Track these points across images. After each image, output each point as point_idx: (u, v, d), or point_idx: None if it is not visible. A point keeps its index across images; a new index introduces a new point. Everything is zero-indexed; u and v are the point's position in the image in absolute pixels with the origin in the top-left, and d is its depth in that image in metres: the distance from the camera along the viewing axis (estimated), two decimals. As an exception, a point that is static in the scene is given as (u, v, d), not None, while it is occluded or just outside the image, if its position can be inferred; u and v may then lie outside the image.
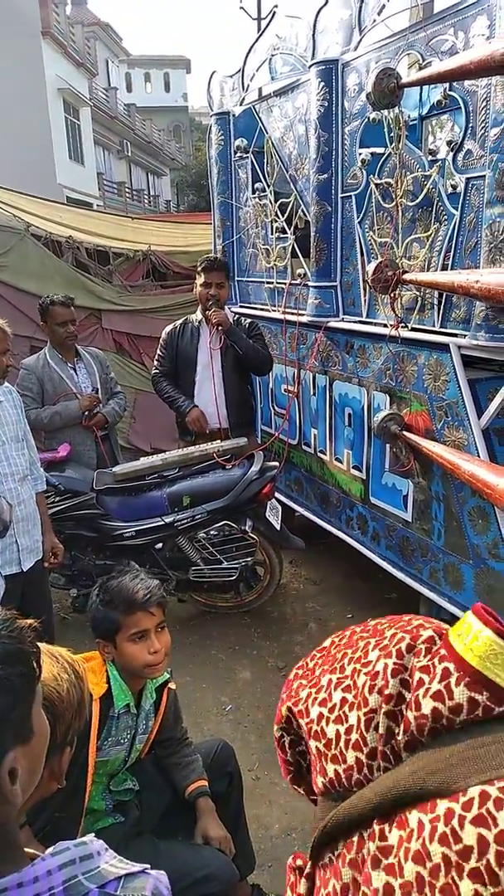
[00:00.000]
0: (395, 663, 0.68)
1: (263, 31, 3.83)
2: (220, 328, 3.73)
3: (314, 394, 3.86)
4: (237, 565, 3.53)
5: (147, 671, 1.85)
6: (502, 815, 0.52)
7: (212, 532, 3.53)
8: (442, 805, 0.57)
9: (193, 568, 3.55)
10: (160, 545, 3.54)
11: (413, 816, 0.59)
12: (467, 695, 0.60)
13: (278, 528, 3.63)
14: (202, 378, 3.84)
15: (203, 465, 3.57)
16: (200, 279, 3.77)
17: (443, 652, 0.64)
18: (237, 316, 4.07)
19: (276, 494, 3.99)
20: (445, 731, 0.61)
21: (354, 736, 0.68)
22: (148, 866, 0.82)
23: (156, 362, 4.02)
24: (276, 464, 3.73)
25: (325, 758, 0.71)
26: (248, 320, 4.04)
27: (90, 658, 1.87)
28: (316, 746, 0.73)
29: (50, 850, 0.78)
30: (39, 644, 0.84)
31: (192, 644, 3.54)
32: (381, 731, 0.66)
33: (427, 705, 0.62)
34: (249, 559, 3.58)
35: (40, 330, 5.14)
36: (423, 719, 0.62)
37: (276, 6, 4.13)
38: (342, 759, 0.69)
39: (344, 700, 0.70)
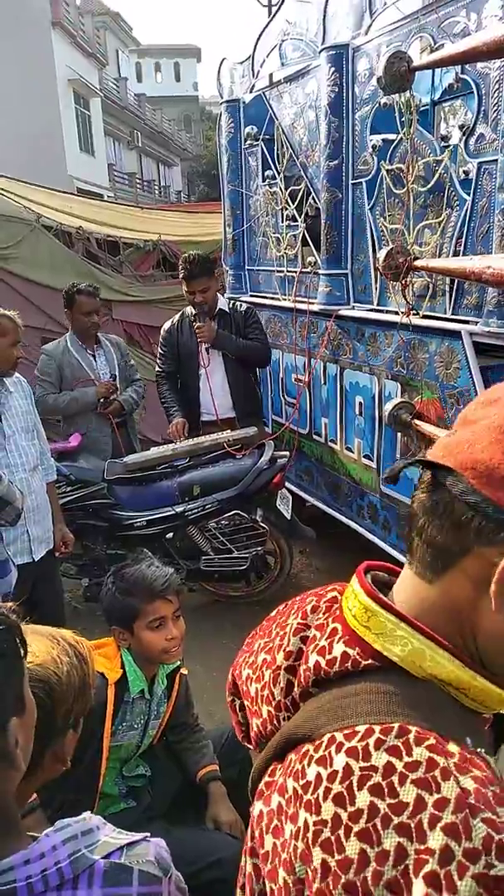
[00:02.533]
0: (299, 623, 0.74)
1: (273, 17, 3.79)
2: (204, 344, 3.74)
3: (325, 383, 3.85)
4: (247, 555, 3.53)
5: (164, 657, 1.87)
6: (339, 758, 0.58)
7: (222, 522, 3.54)
8: (304, 747, 0.63)
9: (204, 557, 3.55)
10: (171, 535, 3.55)
11: (290, 757, 0.66)
12: (342, 650, 0.65)
13: (289, 517, 3.63)
14: (206, 371, 3.84)
15: (213, 455, 3.57)
16: (184, 286, 3.76)
17: (338, 612, 0.70)
18: (233, 302, 4.06)
19: (287, 484, 3.98)
20: (324, 682, 0.66)
21: (266, 692, 0.75)
22: (148, 834, 0.86)
23: (158, 360, 4.03)
24: (287, 453, 3.72)
25: (251, 713, 0.79)
26: (245, 307, 4.01)
27: (103, 644, 1.88)
28: (246, 704, 0.80)
29: (51, 828, 0.80)
30: (41, 626, 0.86)
31: (203, 633, 3.55)
32: (282, 684, 0.72)
33: (312, 659, 0.68)
34: (260, 549, 3.58)
35: (51, 321, 5.16)
36: (308, 671, 0.68)
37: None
38: (260, 714, 0.76)
39: (264, 661, 0.77)
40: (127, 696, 1.84)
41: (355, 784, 0.55)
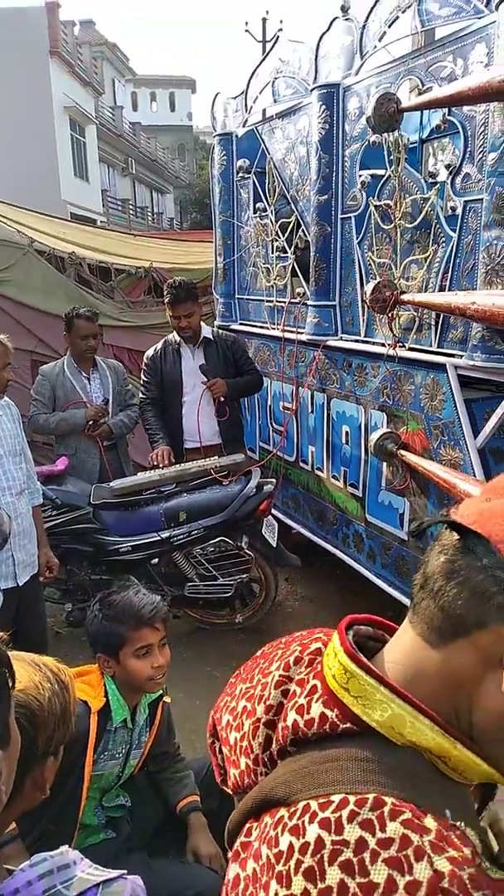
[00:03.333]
0: (281, 675, 0.72)
1: (267, 55, 3.89)
2: (219, 397, 3.82)
3: (312, 411, 3.88)
4: (232, 582, 3.53)
5: (149, 685, 1.86)
6: (312, 828, 0.56)
7: (208, 548, 3.54)
8: (279, 812, 0.61)
9: (189, 584, 3.55)
10: (156, 560, 3.54)
11: (265, 819, 0.64)
12: (320, 710, 0.63)
13: (274, 544, 3.64)
14: (191, 399, 3.87)
15: (200, 481, 3.58)
16: (169, 311, 3.81)
17: (319, 668, 0.68)
18: (219, 331, 4.12)
19: (273, 511, 3.99)
20: (303, 742, 0.64)
21: (245, 743, 0.72)
22: (125, 872, 0.84)
23: (142, 388, 4.05)
24: (273, 480, 3.74)
25: (229, 762, 0.76)
26: (231, 336, 4.07)
27: (86, 672, 1.87)
28: (225, 751, 0.78)
29: (27, 861, 0.79)
30: (23, 653, 0.85)
31: (186, 660, 3.53)
32: (260, 739, 0.70)
33: (291, 717, 0.66)
34: (245, 576, 3.58)
35: (42, 344, 5.18)
36: (286, 729, 0.66)
37: (280, 30, 4.21)
38: (238, 764, 0.73)
39: (244, 709, 0.74)
40: (109, 725, 1.83)
41: (326, 859, 0.54)
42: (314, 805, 0.58)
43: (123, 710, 1.85)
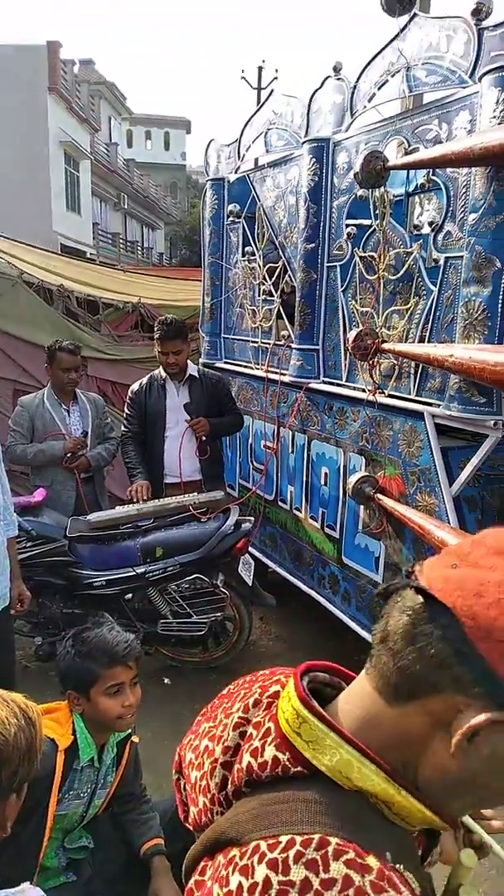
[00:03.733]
0: (240, 717, 0.74)
1: (261, 107, 4.04)
2: (202, 436, 3.88)
3: (293, 451, 3.93)
4: (206, 620, 3.51)
5: (118, 724, 1.85)
6: (261, 868, 0.58)
7: (183, 585, 3.52)
8: (231, 851, 0.63)
9: (162, 621, 3.52)
10: (130, 596, 3.52)
11: (218, 858, 0.65)
12: (273, 753, 0.65)
13: (250, 583, 3.64)
14: (173, 434, 3.90)
15: (178, 517, 3.59)
16: (158, 347, 3.87)
17: (274, 711, 0.70)
18: (204, 369, 4.18)
19: (251, 549, 4.00)
20: (257, 784, 0.66)
21: (204, 782, 0.74)
22: None
23: (124, 421, 4.08)
24: (252, 519, 3.76)
25: (190, 799, 0.78)
26: (216, 375, 4.14)
27: (54, 709, 1.86)
28: (186, 789, 0.79)
29: None
30: None
31: (156, 699, 3.48)
32: (217, 779, 0.71)
33: (245, 759, 0.68)
34: (219, 614, 3.56)
35: (25, 374, 5.20)
36: (240, 771, 0.68)
37: (275, 78, 4.37)
38: (197, 802, 0.75)
39: (206, 748, 0.76)
40: (76, 764, 1.81)
41: None
42: (263, 845, 0.59)
43: (91, 749, 1.83)
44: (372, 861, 0.57)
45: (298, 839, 0.58)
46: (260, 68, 18.28)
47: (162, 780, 2.90)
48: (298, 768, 0.64)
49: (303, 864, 0.56)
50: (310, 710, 0.66)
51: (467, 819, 0.94)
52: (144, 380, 4.05)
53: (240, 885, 0.59)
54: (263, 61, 18.71)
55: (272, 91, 4.06)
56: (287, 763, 0.65)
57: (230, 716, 0.75)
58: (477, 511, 2.86)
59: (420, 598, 0.63)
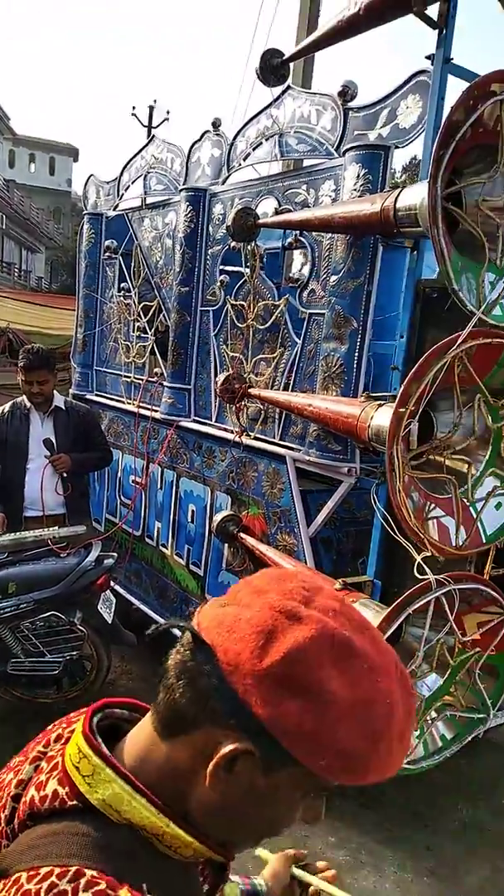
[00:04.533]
0: (39, 750, 0.75)
1: (141, 150, 4.12)
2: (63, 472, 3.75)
3: (161, 488, 3.95)
4: (61, 659, 3.40)
5: None
6: None
7: (37, 622, 3.40)
8: (1, 882, 0.64)
9: (13, 660, 3.37)
10: (-20, 634, 3.35)
11: None
12: (54, 787, 0.68)
13: (110, 621, 3.57)
14: (35, 466, 3.76)
15: (36, 552, 3.47)
16: (21, 375, 3.76)
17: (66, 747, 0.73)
18: (72, 401, 4.09)
19: (115, 586, 3.94)
20: (38, 817, 0.69)
21: None
22: None
23: None
24: (115, 554, 3.71)
25: None
26: (84, 408, 4.03)
27: None
28: None
29: None
30: None
31: (2, 741, 3.32)
32: (6, 812, 0.72)
33: (30, 792, 0.70)
34: (75, 653, 3.46)
35: None
36: (25, 805, 0.70)
37: (166, 119, 4.47)
38: None
39: (8, 781, 0.76)
40: None
41: None
42: (24, 877, 0.61)
43: None
44: (123, 892, 0.59)
45: (56, 871, 0.60)
46: (151, 108, 18.56)
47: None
48: (75, 802, 0.66)
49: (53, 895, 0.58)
50: (89, 745, 0.68)
51: (298, 871, 1.00)
52: (7, 406, 3.87)
53: None
54: (155, 101, 19.01)
55: (153, 136, 4.17)
56: (65, 797, 0.66)
57: (33, 750, 0.76)
58: (332, 552, 3.02)
59: (191, 637, 0.68)
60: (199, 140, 3.58)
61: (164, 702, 0.68)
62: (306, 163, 2.91)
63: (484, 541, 2.07)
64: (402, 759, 0.69)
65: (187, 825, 0.67)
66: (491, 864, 2.70)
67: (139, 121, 21.05)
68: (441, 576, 1.98)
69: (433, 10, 2.17)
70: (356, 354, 2.57)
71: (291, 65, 3.20)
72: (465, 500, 2.02)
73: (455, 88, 2.01)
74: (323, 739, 0.62)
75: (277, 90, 3.01)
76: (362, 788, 3.00)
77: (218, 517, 3.21)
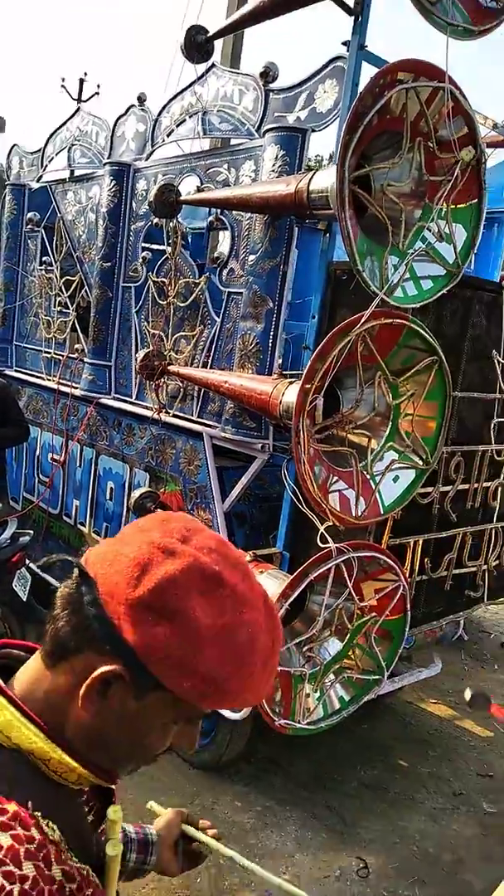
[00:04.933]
0: None
1: (66, 122, 4.04)
2: None
3: (80, 465, 3.92)
4: (-25, 635, 3.36)
5: None
6: None
7: (-51, 599, 3.35)
8: None
9: None
10: None
11: None
12: None
13: (24, 599, 3.54)
14: None
15: (-50, 529, 3.41)
16: None
17: None
18: None
19: (32, 564, 3.90)
20: None
21: None
22: None
23: None
24: (31, 532, 3.67)
25: None
26: (1, 383, 3.92)
27: None
28: None
29: None
30: None
31: None
32: None
33: None
34: (-12, 630, 3.43)
35: None
36: None
37: (97, 93, 4.38)
38: None
39: None
40: None
41: None
42: None
43: None
44: (11, 806, 0.64)
45: None
46: (81, 80, 17.99)
47: None
48: None
49: None
50: None
51: (187, 827, 1.06)
52: None
53: None
54: (85, 74, 18.49)
55: (78, 109, 4.10)
56: None
57: None
58: (245, 526, 3.08)
59: (77, 571, 0.72)
60: (125, 114, 3.54)
61: (50, 632, 0.72)
62: (232, 141, 2.93)
63: (382, 512, 2.17)
64: (266, 685, 0.75)
65: (72, 752, 0.71)
66: (384, 819, 2.86)
67: (69, 94, 20.36)
68: (341, 545, 2.07)
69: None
70: (271, 333, 2.63)
71: (220, 42, 3.22)
72: (365, 473, 2.11)
73: (370, 74, 2.07)
74: (187, 664, 0.66)
75: (202, 68, 3.02)
76: (270, 756, 3.12)
77: (135, 494, 3.21)
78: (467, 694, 3.84)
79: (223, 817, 2.73)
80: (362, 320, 1.95)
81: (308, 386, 1.97)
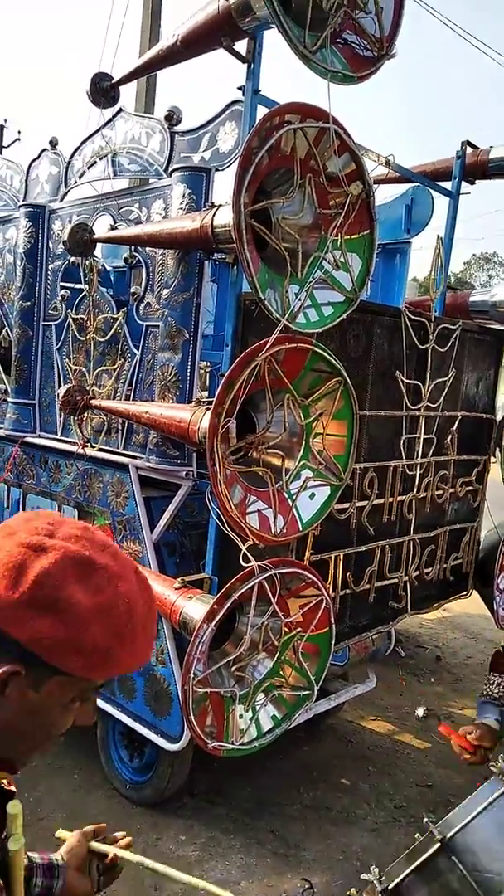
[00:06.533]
0: None
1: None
2: None
3: (8, 506, 3.87)
4: None
5: None
6: None
7: None
8: None
9: None
10: None
11: None
12: None
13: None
14: None
15: None
16: None
17: None
18: None
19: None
20: None
21: None
22: None
23: None
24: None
25: None
26: None
27: None
28: None
29: None
30: None
31: None
32: None
33: None
34: None
35: None
36: None
37: (17, 139, 4.42)
38: None
39: None
40: None
41: None
42: None
43: None
44: None
45: None
46: (1, 126, 18.05)
47: None
48: None
49: None
50: None
51: (93, 843, 1.08)
52: None
53: None
54: (6, 120, 18.53)
55: (-5, 152, 4.14)
56: None
57: None
58: (176, 555, 3.10)
59: None
60: (38, 158, 3.61)
61: None
62: (144, 181, 3.03)
63: (301, 528, 2.25)
64: (149, 647, 0.83)
65: None
66: (327, 838, 2.88)
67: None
68: (263, 562, 2.12)
69: (242, 46, 2.37)
70: (189, 363, 2.71)
71: (135, 86, 3.33)
72: (282, 492, 2.19)
73: (265, 118, 2.20)
74: (76, 643, 0.73)
75: (109, 113, 3.12)
76: (212, 786, 3.10)
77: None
78: (419, 712, 3.94)
79: (168, 852, 2.69)
80: (267, 346, 2.04)
81: (220, 410, 2.04)
